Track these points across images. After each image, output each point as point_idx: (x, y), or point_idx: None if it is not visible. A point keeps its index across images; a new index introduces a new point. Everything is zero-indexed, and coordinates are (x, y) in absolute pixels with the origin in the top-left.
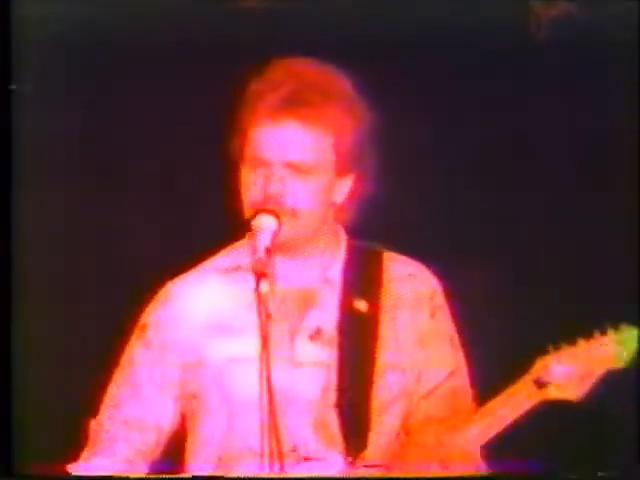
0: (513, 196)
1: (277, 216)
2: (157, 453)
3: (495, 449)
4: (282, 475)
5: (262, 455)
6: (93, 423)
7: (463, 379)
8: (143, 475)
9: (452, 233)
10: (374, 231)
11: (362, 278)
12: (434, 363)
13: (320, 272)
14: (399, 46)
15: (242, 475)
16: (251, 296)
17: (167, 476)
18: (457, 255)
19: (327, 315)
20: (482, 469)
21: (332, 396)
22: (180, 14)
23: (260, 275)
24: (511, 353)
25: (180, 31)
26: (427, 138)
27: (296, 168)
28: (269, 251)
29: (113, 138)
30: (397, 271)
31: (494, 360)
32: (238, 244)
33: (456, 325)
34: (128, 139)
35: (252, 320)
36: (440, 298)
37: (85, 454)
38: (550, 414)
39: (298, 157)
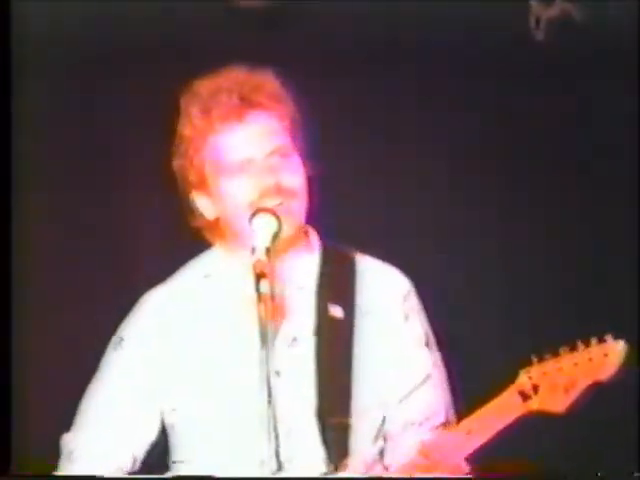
0: (511, 196)
1: (277, 216)
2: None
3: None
4: (282, 475)
5: (262, 460)
6: (67, 438)
7: (439, 381)
8: (143, 475)
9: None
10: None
11: (336, 283)
12: (410, 367)
13: (293, 279)
14: (399, 46)
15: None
16: (225, 303)
17: (166, 476)
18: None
19: (302, 323)
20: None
21: (311, 404)
22: (180, 14)
23: (260, 275)
24: (493, 356)
25: (180, 31)
26: (425, 137)
27: (279, 153)
28: (269, 251)
29: (113, 138)
30: (370, 274)
31: (475, 362)
32: (212, 250)
33: (432, 326)
34: (128, 139)
35: (228, 328)
36: (413, 300)
37: (63, 468)
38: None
39: (276, 143)
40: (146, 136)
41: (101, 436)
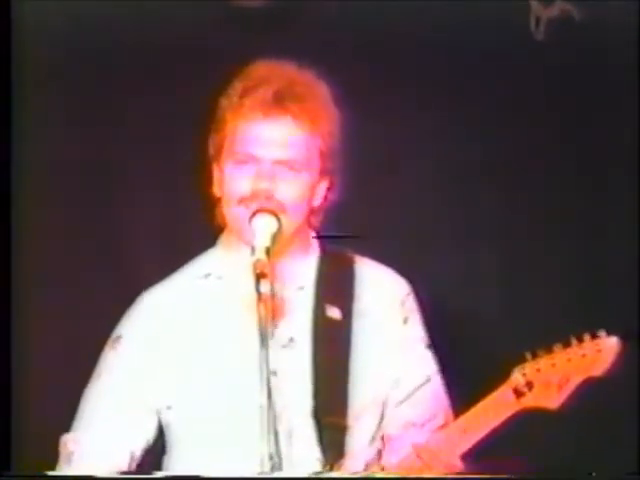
0: (509, 196)
1: (277, 216)
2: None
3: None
4: (281, 475)
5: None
6: (66, 439)
7: (440, 383)
8: (142, 475)
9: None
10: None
11: (334, 285)
12: (410, 368)
13: (292, 280)
14: (399, 47)
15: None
16: (223, 302)
17: (166, 476)
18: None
19: (300, 323)
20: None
21: (307, 405)
22: (179, 14)
23: (260, 275)
24: (491, 358)
25: (180, 32)
26: (424, 137)
27: (287, 165)
28: (269, 251)
29: (113, 138)
30: (368, 277)
31: (472, 364)
32: (212, 250)
33: (430, 328)
34: (128, 139)
35: (226, 327)
36: (412, 303)
37: (65, 469)
38: (551, 416)
39: (290, 154)
40: (147, 137)
41: (98, 435)
